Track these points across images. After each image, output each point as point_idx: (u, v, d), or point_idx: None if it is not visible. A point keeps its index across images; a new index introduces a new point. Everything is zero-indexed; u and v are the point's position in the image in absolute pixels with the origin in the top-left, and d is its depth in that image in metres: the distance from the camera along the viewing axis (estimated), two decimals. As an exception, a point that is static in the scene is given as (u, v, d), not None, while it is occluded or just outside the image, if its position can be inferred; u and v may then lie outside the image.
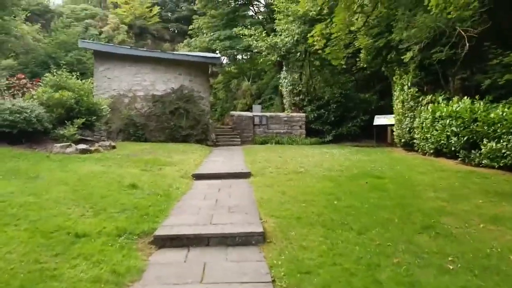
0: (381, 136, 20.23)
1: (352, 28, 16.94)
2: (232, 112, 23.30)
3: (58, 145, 11.15)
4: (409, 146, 15.68)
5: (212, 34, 31.53)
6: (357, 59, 19.83)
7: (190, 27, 36.95)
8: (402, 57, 13.66)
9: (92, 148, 11.87)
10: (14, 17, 26.14)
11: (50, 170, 8.64)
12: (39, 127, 11.34)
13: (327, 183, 8.58)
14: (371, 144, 20.07)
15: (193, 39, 35.08)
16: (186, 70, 19.44)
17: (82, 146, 11.62)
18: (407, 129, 15.38)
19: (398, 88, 16.11)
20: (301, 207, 6.68)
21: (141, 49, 23.38)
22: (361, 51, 18.12)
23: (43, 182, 7.49)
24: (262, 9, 35.34)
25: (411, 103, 15.04)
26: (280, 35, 22.33)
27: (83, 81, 14.15)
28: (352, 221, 5.93)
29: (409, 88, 15.13)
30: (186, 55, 21.22)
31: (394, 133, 17.19)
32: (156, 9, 45.25)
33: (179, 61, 19.61)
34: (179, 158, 12.10)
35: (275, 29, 23.29)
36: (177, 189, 8.08)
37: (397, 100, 16.37)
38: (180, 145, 16.05)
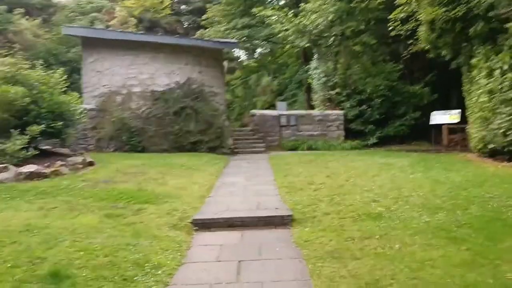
0: (436, 137, 16.27)
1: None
2: (253, 111, 19.09)
3: (-14, 168, 7.21)
4: (500, 154, 11.29)
5: (228, 23, 27.57)
6: (410, 41, 15.57)
7: (204, 16, 33.13)
8: (506, 25, 9.29)
9: (48, 170, 7.87)
10: None
11: None
12: (-43, 141, 7.39)
13: (453, 252, 4.28)
14: (427, 148, 16.17)
15: (207, 30, 31.13)
16: (194, 59, 15.33)
17: (30, 168, 7.61)
18: (502, 130, 10.90)
19: (482, 74, 11.67)
20: None
21: (136, 32, 19.44)
22: (418, 28, 13.92)
23: None
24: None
25: (510, 94, 10.57)
26: (311, 16, 18.17)
27: (49, 72, 10.15)
28: None
29: (503, 73, 10.70)
30: (195, 39, 17.20)
31: (474, 136, 12.72)
32: (168, 1, 41.38)
33: (185, 47, 15.46)
34: (177, 182, 7.97)
35: (302, 11, 19.10)
36: (153, 273, 3.93)
37: (480, 91, 11.93)
38: (185, 157, 11.93)
